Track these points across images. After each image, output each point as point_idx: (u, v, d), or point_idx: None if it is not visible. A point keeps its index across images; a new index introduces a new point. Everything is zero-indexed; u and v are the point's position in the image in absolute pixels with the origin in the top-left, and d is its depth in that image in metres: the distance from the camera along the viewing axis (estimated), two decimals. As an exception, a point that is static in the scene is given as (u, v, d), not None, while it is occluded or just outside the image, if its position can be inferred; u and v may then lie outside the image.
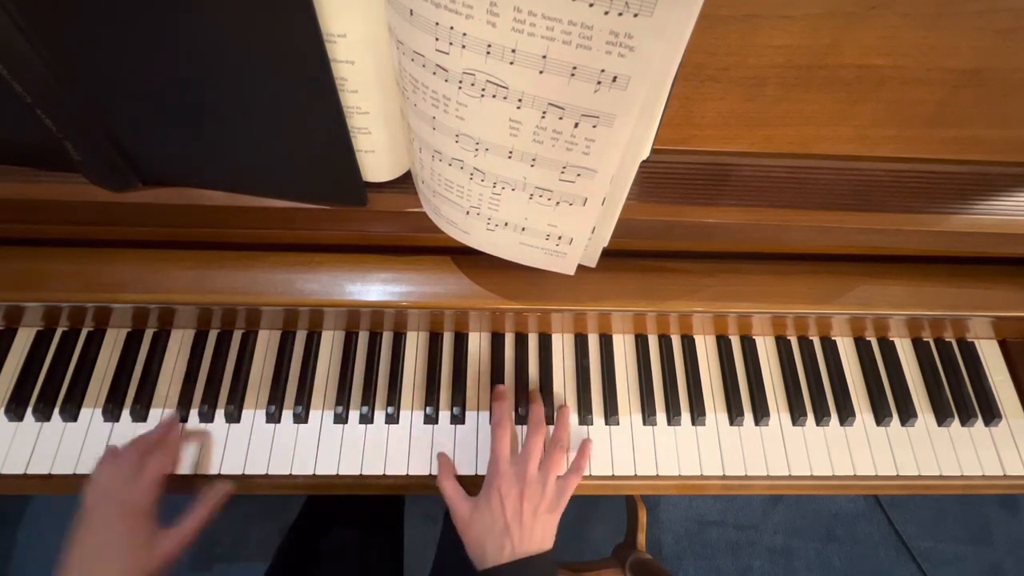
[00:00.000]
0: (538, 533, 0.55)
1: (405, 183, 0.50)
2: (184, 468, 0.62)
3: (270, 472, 0.62)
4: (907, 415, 0.68)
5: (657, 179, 0.52)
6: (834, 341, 0.72)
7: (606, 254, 0.48)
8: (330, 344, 0.69)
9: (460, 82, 0.35)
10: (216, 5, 0.34)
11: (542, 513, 0.56)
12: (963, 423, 0.68)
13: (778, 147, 0.51)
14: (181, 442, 0.62)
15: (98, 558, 0.51)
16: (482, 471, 0.63)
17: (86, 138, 0.44)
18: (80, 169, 0.48)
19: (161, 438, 0.60)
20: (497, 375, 0.68)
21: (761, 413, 0.67)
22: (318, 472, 0.63)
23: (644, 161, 0.45)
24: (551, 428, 0.64)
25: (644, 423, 0.67)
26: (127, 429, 0.63)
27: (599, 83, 0.33)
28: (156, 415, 0.64)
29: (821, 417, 0.67)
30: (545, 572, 0.54)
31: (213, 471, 0.62)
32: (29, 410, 0.64)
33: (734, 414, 0.67)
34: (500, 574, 0.53)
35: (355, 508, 0.79)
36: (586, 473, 0.64)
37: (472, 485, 0.60)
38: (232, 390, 0.65)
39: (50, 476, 0.61)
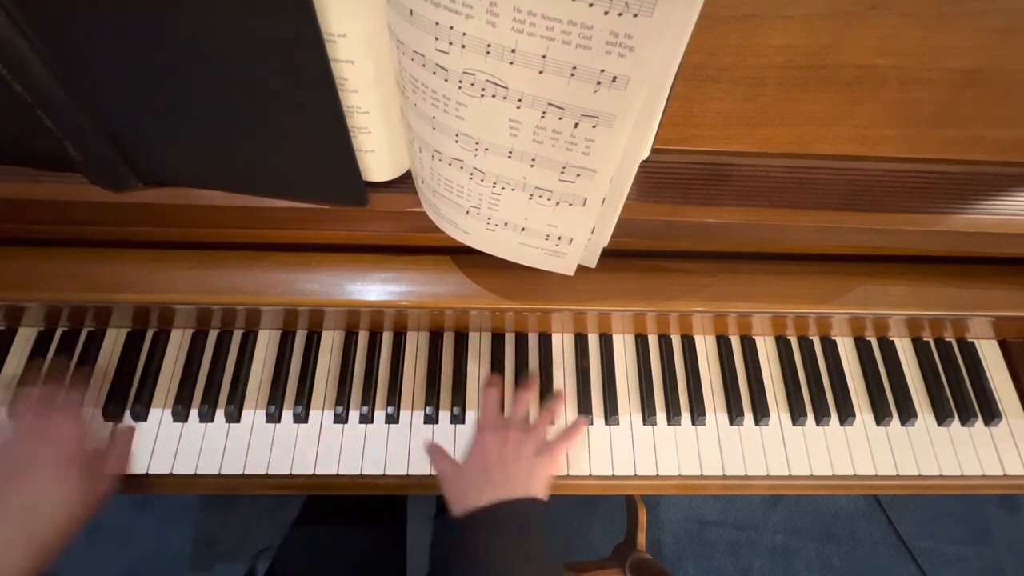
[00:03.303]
0: (523, 474, 0.52)
1: (405, 183, 0.50)
2: (186, 468, 0.62)
3: (270, 472, 0.62)
4: (907, 415, 0.68)
5: (657, 179, 0.52)
6: (834, 341, 0.72)
7: (606, 254, 0.48)
8: (330, 344, 0.69)
9: (460, 82, 0.35)
10: (216, 5, 0.34)
11: (527, 455, 0.54)
12: (963, 423, 0.68)
13: (778, 147, 0.51)
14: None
15: (20, 508, 0.48)
16: (482, 471, 0.63)
17: (86, 138, 0.44)
18: (80, 169, 0.48)
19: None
20: (497, 375, 0.68)
21: (761, 413, 0.67)
22: (318, 472, 0.63)
23: (644, 161, 0.45)
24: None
25: (644, 423, 0.67)
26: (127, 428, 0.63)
27: (599, 83, 0.33)
28: (156, 415, 0.64)
29: (821, 417, 0.67)
30: (532, 519, 0.50)
31: (213, 471, 0.62)
32: (29, 410, 0.63)
33: (734, 414, 0.67)
34: (477, 518, 0.49)
35: (356, 508, 0.79)
36: (585, 472, 0.64)
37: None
38: (232, 390, 0.65)
39: (50, 476, 0.61)
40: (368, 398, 0.66)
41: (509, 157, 0.39)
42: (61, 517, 0.49)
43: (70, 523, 0.49)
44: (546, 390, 0.67)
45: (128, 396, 0.65)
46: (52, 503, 0.49)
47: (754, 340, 0.71)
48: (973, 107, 0.48)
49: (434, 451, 0.61)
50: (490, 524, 0.49)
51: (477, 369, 0.69)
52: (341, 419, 0.65)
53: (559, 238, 0.46)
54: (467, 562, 0.47)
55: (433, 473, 0.62)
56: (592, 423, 0.66)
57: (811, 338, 0.72)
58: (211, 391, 0.65)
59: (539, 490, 0.53)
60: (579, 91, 0.33)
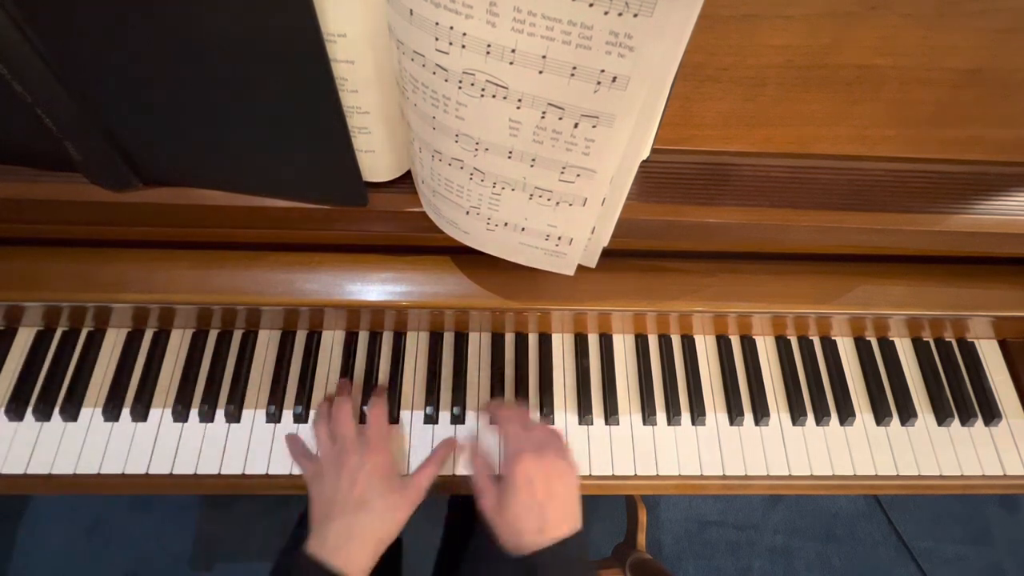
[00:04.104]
0: (571, 510, 0.55)
1: (405, 183, 0.50)
2: (186, 468, 0.62)
3: (270, 472, 0.62)
4: (907, 415, 0.68)
5: (657, 179, 0.52)
6: (834, 341, 0.72)
7: (606, 254, 0.48)
8: (330, 344, 0.69)
9: (460, 82, 0.35)
10: (216, 5, 0.34)
11: (570, 484, 0.56)
12: (963, 423, 0.68)
13: (778, 147, 0.51)
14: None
15: (360, 505, 0.53)
16: (482, 471, 0.63)
17: (86, 138, 0.44)
18: (80, 169, 0.48)
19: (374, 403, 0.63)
20: (497, 375, 0.68)
21: (761, 413, 0.67)
22: (318, 472, 0.63)
23: (644, 161, 0.45)
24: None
25: (644, 423, 0.67)
26: (127, 429, 0.63)
27: (599, 83, 0.33)
28: (156, 415, 0.64)
29: (821, 417, 0.67)
30: (584, 553, 0.54)
31: (213, 471, 0.62)
32: (29, 410, 0.64)
33: (734, 414, 0.67)
34: (544, 557, 0.52)
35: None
36: (585, 472, 0.64)
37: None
38: (232, 390, 0.65)
39: (50, 476, 0.61)
40: (369, 398, 0.65)
41: (509, 157, 0.39)
42: (387, 515, 0.54)
43: (394, 523, 0.55)
44: (546, 391, 0.67)
45: (128, 396, 0.65)
46: (378, 504, 0.54)
47: (754, 340, 0.71)
48: (973, 107, 0.48)
49: (481, 469, 0.59)
50: (558, 565, 0.52)
51: (477, 369, 0.68)
52: (341, 419, 0.65)
53: (559, 238, 0.46)
54: None
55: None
56: (592, 423, 0.66)
57: (811, 338, 0.72)
58: (211, 391, 0.65)
59: (580, 520, 0.56)
60: (579, 91, 0.33)
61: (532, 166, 0.39)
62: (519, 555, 0.53)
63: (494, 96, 0.35)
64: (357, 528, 0.52)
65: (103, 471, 0.62)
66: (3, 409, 0.63)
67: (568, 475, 0.56)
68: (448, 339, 0.70)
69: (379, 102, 0.42)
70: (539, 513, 0.53)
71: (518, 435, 0.59)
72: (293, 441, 0.63)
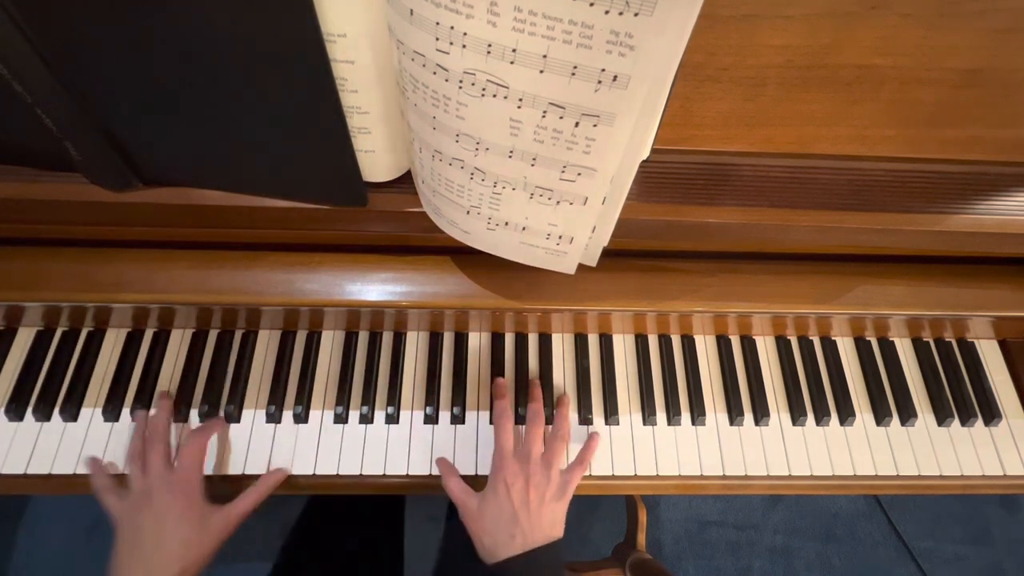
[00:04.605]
0: (546, 520, 0.55)
1: (405, 183, 0.50)
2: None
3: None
4: (907, 415, 0.68)
5: (657, 179, 0.52)
6: (834, 341, 0.72)
7: (606, 254, 0.48)
8: (330, 344, 0.69)
9: (460, 82, 0.35)
10: (217, 5, 0.34)
11: (548, 501, 0.56)
12: (963, 423, 0.68)
13: (778, 147, 0.51)
14: (214, 432, 0.62)
15: (157, 546, 0.53)
16: (483, 471, 0.63)
17: (86, 138, 0.44)
18: (80, 169, 0.48)
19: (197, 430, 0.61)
20: (497, 375, 0.68)
21: (761, 413, 0.67)
22: (318, 472, 0.63)
23: (644, 161, 0.45)
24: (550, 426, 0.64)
25: (644, 423, 0.67)
26: (127, 429, 0.63)
27: (599, 82, 0.33)
28: (156, 415, 0.64)
29: (821, 417, 0.67)
30: (555, 562, 0.54)
31: (211, 471, 0.62)
32: (29, 410, 0.63)
33: (734, 414, 0.67)
34: (512, 565, 0.52)
35: (356, 508, 0.80)
36: (587, 472, 0.64)
37: (473, 485, 0.60)
38: (232, 390, 0.65)
39: (50, 476, 0.61)
40: (368, 398, 0.65)
41: (510, 157, 0.39)
42: (183, 551, 0.54)
43: (194, 558, 0.55)
44: (547, 392, 0.67)
45: (128, 396, 0.65)
46: (175, 541, 0.54)
47: (754, 340, 0.71)
48: (973, 107, 0.48)
49: (452, 483, 0.59)
50: (526, 573, 0.53)
51: (477, 369, 0.68)
52: (341, 419, 0.65)
53: (560, 237, 0.46)
54: None
55: (432, 474, 0.62)
56: (592, 423, 0.66)
57: (811, 338, 0.72)
58: (211, 391, 0.65)
59: (560, 530, 0.56)
60: (580, 90, 0.33)
61: (533, 165, 0.39)
62: (491, 562, 0.54)
63: (495, 96, 0.35)
64: (155, 566, 0.52)
65: (103, 471, 0.62)
66: (3, 409, 0.63)
67: (550, 488, 0.57)
68: (448, 339, 0.70)
69: (379, 102, 0.42)
70: (512, 521, 0.54)
71: (508, 440, 0.60)
72: (97, 470, 0.59)
